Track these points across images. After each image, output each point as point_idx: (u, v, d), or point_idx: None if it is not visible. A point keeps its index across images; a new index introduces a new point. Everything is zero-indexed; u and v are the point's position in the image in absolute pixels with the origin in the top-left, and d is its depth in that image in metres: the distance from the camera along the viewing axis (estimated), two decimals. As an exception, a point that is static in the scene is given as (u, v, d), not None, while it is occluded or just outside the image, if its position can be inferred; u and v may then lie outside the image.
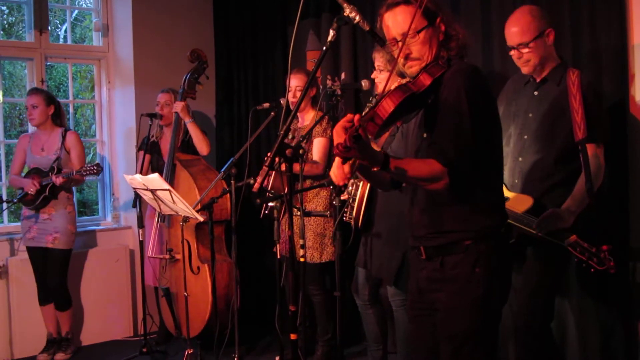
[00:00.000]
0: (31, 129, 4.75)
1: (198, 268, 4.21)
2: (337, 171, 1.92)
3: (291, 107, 3.87)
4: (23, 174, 4.54)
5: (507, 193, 2.91)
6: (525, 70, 2.91)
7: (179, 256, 4.28)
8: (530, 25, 2.81)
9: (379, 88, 3.46)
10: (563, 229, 2.69)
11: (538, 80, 2.92)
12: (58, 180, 4.26)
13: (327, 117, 3.98)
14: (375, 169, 1.91)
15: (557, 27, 3.22)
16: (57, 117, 4.50)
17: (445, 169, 1.94)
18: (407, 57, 2.08)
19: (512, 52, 2.90)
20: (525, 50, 2.82)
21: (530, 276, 2.86)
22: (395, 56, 2.07)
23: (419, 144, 2.14)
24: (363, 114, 3.26)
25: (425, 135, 2.11)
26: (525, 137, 2.90)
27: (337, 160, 1.92)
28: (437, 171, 1.95)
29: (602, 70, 3.08)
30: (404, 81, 2.09)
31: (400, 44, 2.05)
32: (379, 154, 1.87)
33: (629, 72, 3.00)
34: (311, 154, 4.05)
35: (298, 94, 4.02)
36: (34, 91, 4.46)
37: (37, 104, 4.38)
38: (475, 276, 2.06)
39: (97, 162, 4.39)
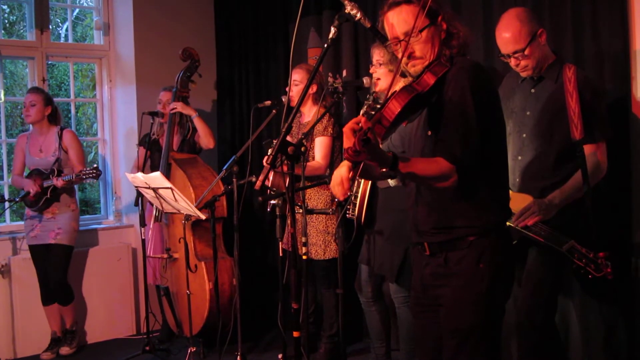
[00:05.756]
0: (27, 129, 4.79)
1: (195, 266, 4.21)
2: (337, 188, 1.94)
3: (292, 102, 3.86)
4: (26, 174, 4.56)
5: None
6: (524, 74, 2.87)
7: (177, 255, 4.28)
8: (521, 30, 2.74)
9: (378, 84, 3.46)
10: (559, 234, 2.66)
11: (535, 77, 2.88)
12: (59, 182, 4.32)
13: (328, 114, 3.97)
14: (383, 170, 1.92)
15: (559, 29, 3.20)
16: (54, 117, 4.58)
17: (453, 166, 1.96)
18: (410, 56, 2.08)
19: (508, 60, 2.83)
20: (522, 57, 2.77)
21: (532, 271, 2.85)
22: (399, 56, 2.07)
23: (423, 142, 2.15)
24: (363, 112, 3.29)
25: (429, 133, 2.12)
26: (524, 135, 2.87)
27: (336, 175, 1.95)
28: (445, 169, 1.96)
29: (604, 72, 3.06)
30: (408, 81, 2.09)
31: (403, 43, 2.05)
32: (387, 155, 1.89)
33: (630, 74, 2.98)
34: (312, 152, 4.04)
35: (295, 88, 4.04)
36: (34, 90, 4.54)
37: (35, 101, 4.46)
38: (480, 271, 2.07)
39: (95, 165, 4.39)
